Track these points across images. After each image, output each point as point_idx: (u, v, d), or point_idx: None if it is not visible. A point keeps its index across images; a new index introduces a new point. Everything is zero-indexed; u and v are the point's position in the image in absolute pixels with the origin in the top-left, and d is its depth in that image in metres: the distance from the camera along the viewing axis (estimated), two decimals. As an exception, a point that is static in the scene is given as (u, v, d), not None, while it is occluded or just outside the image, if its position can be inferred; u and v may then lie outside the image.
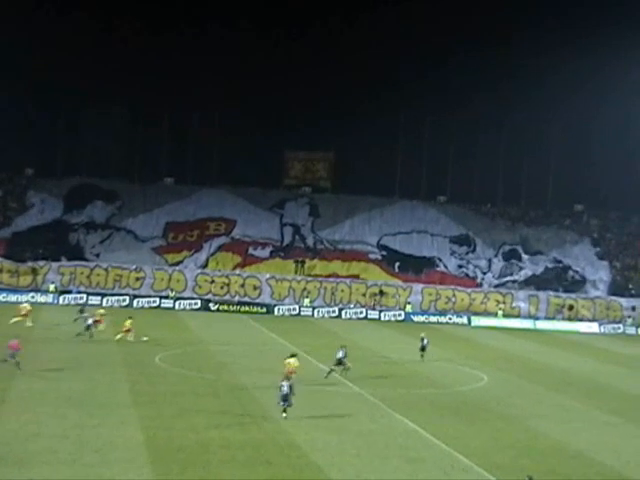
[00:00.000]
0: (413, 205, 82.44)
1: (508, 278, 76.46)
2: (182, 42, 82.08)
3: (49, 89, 75.67)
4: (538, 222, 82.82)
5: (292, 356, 34.69)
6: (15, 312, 49.59)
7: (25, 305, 51.14)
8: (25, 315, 48.85)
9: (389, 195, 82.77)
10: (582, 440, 29.39)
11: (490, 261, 77.89)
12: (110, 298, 65.53)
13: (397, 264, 75.95)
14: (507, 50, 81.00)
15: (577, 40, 75.46)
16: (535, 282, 75.92)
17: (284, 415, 29.06)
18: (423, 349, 45.45)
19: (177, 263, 72.08)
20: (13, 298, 63.20)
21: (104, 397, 31.18)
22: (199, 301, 66.90)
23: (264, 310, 67.00)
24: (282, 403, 29.11)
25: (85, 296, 64.91)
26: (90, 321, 45.49)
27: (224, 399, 32.25)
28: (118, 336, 44.77)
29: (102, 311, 47.39)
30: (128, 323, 45.42)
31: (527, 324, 69.95)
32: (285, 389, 29.16)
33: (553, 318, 71.82)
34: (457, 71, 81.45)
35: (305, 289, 70.32)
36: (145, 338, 46.00)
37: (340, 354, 37.75)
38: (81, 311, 49.88)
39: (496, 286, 75.12)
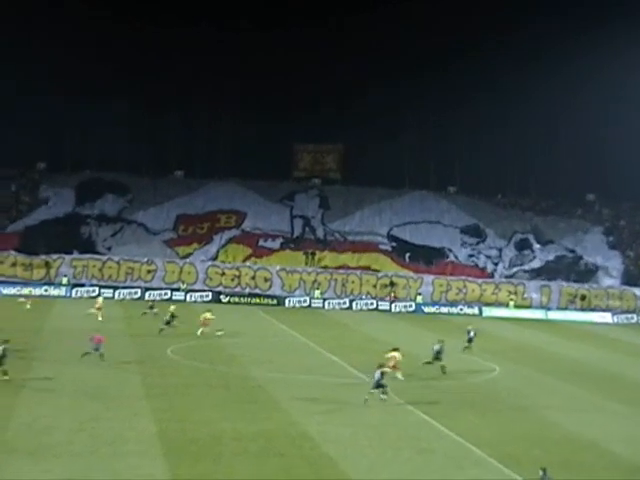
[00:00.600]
0: (423, 196, 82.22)
1: (519, 268, 76.17)
2: (191, 35, 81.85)
3: (59, 83, 75.59)
4: (549, 212, 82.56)
5: (394, 350, 35.50)
6: (91, 305, 51.47)
7: (100, 299, 52.95)
8: (99, 309, 50.19)
9: (399, 186, 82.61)
10: (595, 430, 29.30)
11: (501, 251, 77.64)
12: (122, 291, 65.66)
13: (407, 255, 75.80)
14: (517, 38, 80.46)
15: (592, 28, 74.72)
16: (547, 272, 75.61)
17: (384, 397, 30.82)
18: (470, 341, 45.14)
19: (187, 255, 72.11)
20: (27, 291, 62.53)
21: (117, 390, 31.26)
22: (210, 293, 66.90)
23: (275, 302, 66.86)
24: (374, 389, 30.87)
25: (97, 289, 65.09)
26: (168, 316, 45.98)
27: (236, 391, 32.25)
28: (200, 330, 45.16)
29: (174, 307, 47.44)
30: (208, 315, 45.98)
31: (539, 314, 69.56)
32: (377, 375, 30.83)
33: (565, 308, 71.41)
34: (466, 60, 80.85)
35: (315, 281, 70.20)
36: (220, 333, 46.36)
37: (437, 347, 37.13)
38: (151, 307, 50.99)
39: (507, 276, 74.87)
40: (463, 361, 43.42)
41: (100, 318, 49.16)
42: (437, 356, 37.03)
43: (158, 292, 65.88)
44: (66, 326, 46.98)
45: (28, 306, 53.98)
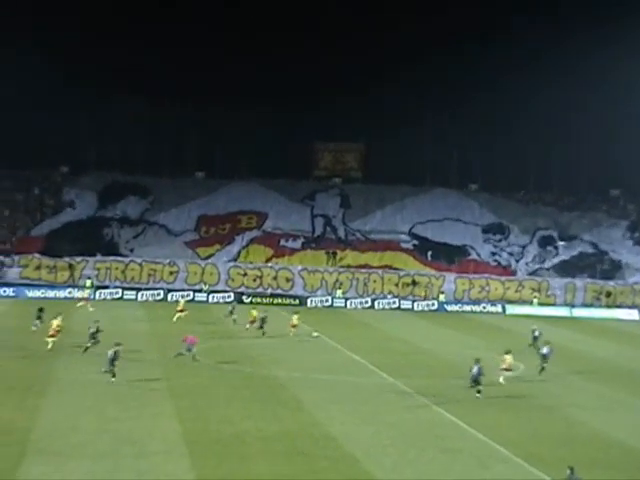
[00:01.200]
0: (444, 193, 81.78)
1: (543, 265, 75.66)
2: (209, 35, 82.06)
3: (79, 87, 75.87)
4: (573, 207, 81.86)
5: (507, 353, 35.64)
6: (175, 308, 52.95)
7: (181, 301, 54.23)
8: (182, 310, 51.48)
9: (420, 184, 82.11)
10: (622, 429, 29.04)
11: (524, 248, 77.13)
12: (145, 292, 65.91)
13: (429, 253, 75.49)
14: (537, 30, 79.77)
15: (613, 19, 73.91)
16: (571, 268, 75.01)
17: (478, 395, 31.36)
18: (535, 340, 44.75)
19: (209, 256, 72.06)
20: (51, 294, 64.02)
21: (140, 390, 31.38)
22: (232, 294, 66.87)
23: (297, 302, 66.47)
24: (473, 385, 31.73)
25: (120, 291, 65.43)
26: (262, 315, 47.07)
27: (259, 391, 32.29)
28: (292, 331, 46.32)
29: (255, 312, 47.84)
30: (295, 318, 46.81)
31: (563, 312, 69.02)
32: (475, 371, 31.48)
33: (590, 305, 70.82)
34: (486, 56, 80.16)
35: (337, 280, 70.12)
36: (315, 334, 46.76)
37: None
38: (231, 312, 51.30)
39: (531, 273, 74.37)
40: (486, 360, 43.13)
41: (175, 320, 50.39)
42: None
43: (180, 293, 65.82)
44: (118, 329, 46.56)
45: (91, 308, 53.68)
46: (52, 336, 38.57)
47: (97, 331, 38.21)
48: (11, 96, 72.62)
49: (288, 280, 69.82)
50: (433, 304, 68.75)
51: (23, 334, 43.06)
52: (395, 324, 57.46)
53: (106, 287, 66.21)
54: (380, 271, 71.71)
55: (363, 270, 71.63)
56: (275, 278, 69.77)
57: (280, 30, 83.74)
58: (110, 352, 32.42)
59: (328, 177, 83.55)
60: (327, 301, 67.88)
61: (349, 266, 72.48)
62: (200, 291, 66.85)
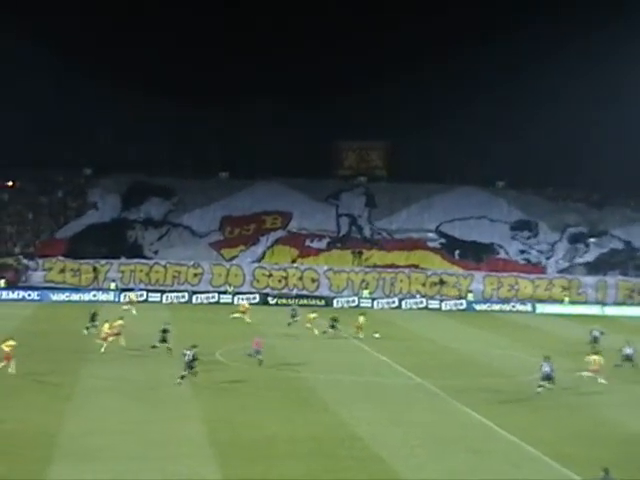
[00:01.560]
0: (471, 191, 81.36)
1: (573, 262, 75.14)
2: (231, 34, 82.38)
3: (102, 87, 76.34)
4: (603, 203, 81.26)
5: (595, 353, 35.79)
6: (234, 309, 54.90)
7: (244, 303, 55.72)
8: (244, 312, 52.94)
9: (446, 181, 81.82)
10: (656, 428, 28.74)
11: (554, 245, 76.63)
12: (169, 295, 66.23)
13: (457, 252, 75.38)
14: (564, 23, 79.17)
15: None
16: (602, 266, 74.48)
17: (538, 390, 32.25)
18: (595, 341, 44.60)
19: (233, 258, 72.28)
20: (76, 297, 64.63)
21: (166, 392, 31.58)
22: (257, 295, 67.28)
23: (323, 302, 66.42)
24: (544, 381, 32.34)
25: (145, 293, 65.73)
26: (330, 322, 47.87)
27: (285, 393, 32.41)
28: (360, 334, 47.05)
29: (313, 315, 48.25)
30: (362, 320, 47.53)
31: (595, 310, 68.36)
32: (546, 368, 32.18)
33: (623, 303, 70.27)
34: (510, 49, 79.64)
35: (364, 280, 70.18)
36: (377, 335, 47.28)
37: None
38: (293, 316, 51.58)
39: (561, 271, 73.89)
40: (516, 359, 43.15)
41: (248, 320, 52.12)
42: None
43: (205, 295, 66.57)
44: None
45: (134, 312, 53.94)
46: (104, 339, 39.43)
47: (166, 332, 39.37)
48: (33, 97, 73.59)
49: (314, 281, 70.00)
50: (461, 303, 68.62)
51: (54, 337, 43.39)
52: (423, 324, 57.42)
53: (130, 289, 66.35)
54: (407, 270, 71.69)
55: (390, 270, 71.64)
56: (300, 279, 69.97)
57: (305, 26, 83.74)
58: (188, 354, 32.82)
59: (353, 176, 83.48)
60: (353, 301, 67.83)
61: (375, 266, 72.48)
62: (225, 293, 67.11)
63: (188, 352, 32.92)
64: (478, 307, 68.43)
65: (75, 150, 78.10)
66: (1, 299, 62.51)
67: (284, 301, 66.72)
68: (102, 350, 38.99)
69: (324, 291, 69.59)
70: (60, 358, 37.31)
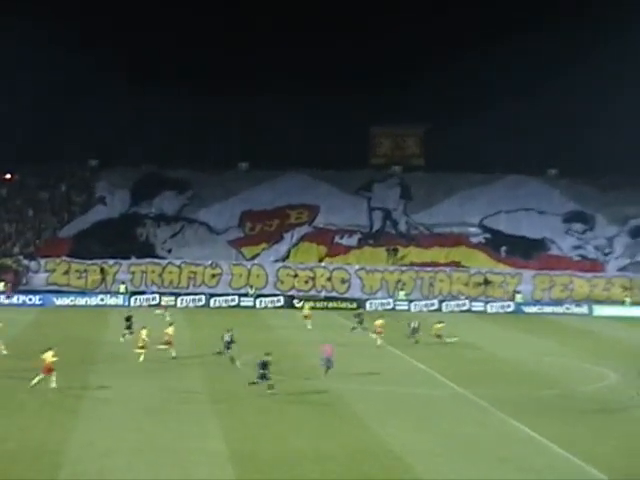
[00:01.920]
0: (519, 180, 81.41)
1: (635, 259, 74.57)
2: (252, 16, 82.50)
3: (110, 70, 77.11)
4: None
5: None
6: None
7: (307, 307, 57.70)
8: (307, 317, 55.01)
9: (491, 170, 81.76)
10: None
11: (612, 240, 76.28)
12: (184, 298, 66.71)
13: (503, 248, 75.31)
14: (626, 7, 78.21)
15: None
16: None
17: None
18: None
19: (255, 256, 72.93)
20: (81, 301, 65.34)
21: (182, 407, 31.69)
22: (282, 298, 67.61)
23: (354, 305, 66.80)
24: None
25: (157, 296, 66.23)
26: (415, 324, 49.19)
27: (312, 405, 32.45)
28: (448, 339, 48.15)
29: (380, 322, 48.16)
30: (439, 327, 48.90)
31: (660, 312, 67.85)
32: None
33: (691, 304, 69.64)
34: (562, 29, 79.18)
35: (399, 280, 70.42)
36: (454, 339, 48.03)
37: None
38: (360, 322, 51.85)
39: (621, 269, 73.48)
40: (571, 368, 43.01)
41: (310, 327, 53.15)
42: None
43: (224, 298, 66.89)
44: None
45: (168, 318, 53.59)
46: (142, 347, 40.07)
47: (231, 341, 40.41)
48: (32, 84, 74.34)
49: (344, 281, 70.23)
50: (509, 305, 68.64)
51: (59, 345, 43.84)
52: (465, 328, 57.12)
53: (142, 293, 67.22)
54: (447, 269, 71.86)
55: (428, 268, 71.78)
56: (329, 279, 70.30)
57: (335, 4, 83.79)
58: (259, 362, 33.63)
59: (386, 165, 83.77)
60: (388, 304, 67.92)
61: (412, 264, 72.70)
62: (246, 295, 67.48)
63: (259, 361, 33.70)
64: (527, 309, 68.33)
65: (79, 139, 78.61)
66: (0, 304, 62.89)
67: (311, 304, 66.45)
68: (141, 359, 39.59)
69: (355, 293, 69.86)
70: (66, 369, 37.32)
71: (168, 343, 41.22)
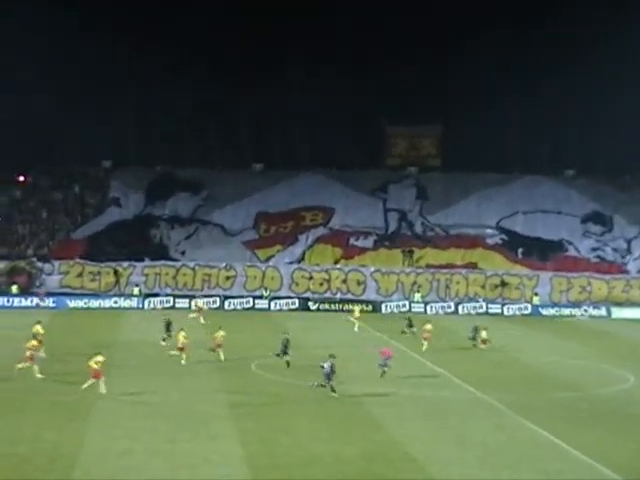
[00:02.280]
0: (536, 181, 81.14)
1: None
2: (268, 11, 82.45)
3: (119, 70, 77.57)
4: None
5: None
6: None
7: (357, 309, 58.74)
8: (356, 319, 55.61)
9: (508, 171, 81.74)
10: None
11: (631, 242, 75.95)
12: (199, 301, 66.01)
13: (520, 250, 75.18)
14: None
15: None
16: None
17: None
18: None
19: (270, 258, 73.03)
20: (95, 303, 65.62)
21: (197, 409, 31.72)
22: (297, 300, 67.64)
23: (370, 308, 66.96)
24: None
25: (172, 299, 66.40)
26: (479, 333, 49.03)
27: (329, 409, 32.41)
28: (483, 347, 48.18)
29: (429, 327, 47.91)
30: (485, 334, 48.46)
31: (681, 314, 67.43)
32: None
33: None
34: (578, 23, 78.92)
35: (415, 282, 70.38)
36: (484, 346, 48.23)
37: None
38: (410, 326, 51.54)
39: (640, 271, 73.03)
40: (590, 370, 42.92)
41: (356, 329, 53.77)
42: None
43: (239, 300, 66.97)
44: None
45: (202, 320, 54.85)
46: (181, 349, 40.48)
47: (287, 343, 39.97)
48: (48, 79, 74.08)
49: (359, 283, 70.20)
50: (526, 308, 68.50)
51: (72, 348, 43.92)
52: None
53: (156, 295, 67.34)
54: (464, 271, 71.82)
55: (444, 270, 71.76)
56: (345, 281, 70.23)
57: (349, 5, 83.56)
58: (326, 365, 33.76)
59: (402, 166, 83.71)
60: (404, 306, 67.75)
61: (428, 266, 72.62)
62: (261, 297, 67.60)
63: (325, 364, 33.86)
64: (545, 312, 68.20)
65: (93, 140, 78.67)
66: (13, 306, 63.38)
67: (327, 306, 67.24)
68: (183, 362, 40.05)
69: (371, 295, 69.83)
70: (80, 371, 37.40)
71: (219, 345, 41.57)
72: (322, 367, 33.97)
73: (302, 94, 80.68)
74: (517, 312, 67.88)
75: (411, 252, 74.29)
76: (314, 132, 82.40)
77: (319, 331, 54.95)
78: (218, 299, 66.96)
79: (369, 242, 75.64)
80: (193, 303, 62.51)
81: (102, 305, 65.21)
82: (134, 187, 78.10)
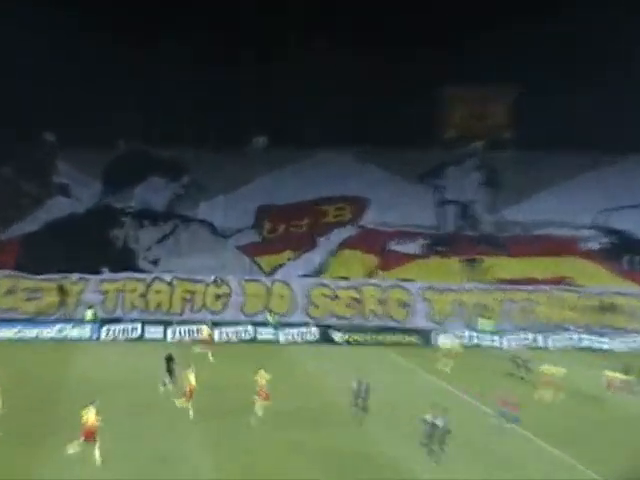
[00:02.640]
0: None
1: None
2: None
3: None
4: None
5: None
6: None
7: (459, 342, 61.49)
8: (454, 356, 57.31)
9: (607, 149, 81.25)
10: None
11: None
12: (178, 328, 65.35)
13: (626, 257, 75.94)
14: None
15: None
16: None
17: None
18: None
19: (277, 269, 72.85)
20: (32, 333, 64.05)
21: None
22: (316, 329, 66.71)
23: (417, 339, 66.94)
24: None
25: (139, 326, 65.29)
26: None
27: (358, 476, 33.88)
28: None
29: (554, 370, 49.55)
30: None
31: None
32: None
33: None
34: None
35: (482, 304, 69.42)
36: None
37: None
38: (527, 370, 53.42)
39: None
40: None
41: (448, 369, 55.42)
42: None
43: (234, 329, 66.27)
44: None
45: (211, 358, 55.69)
46: (188, 397, 41.85)
47: (367, 390, 41.84)
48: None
49: (403, 305, 69.58)
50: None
51: None
52: (578, 372, 55.29)
53: (117, 320, 66.29)
54: (549, 287, 71.42)
55: (523, 287, 71.39)
56: (382, 302, 69.23)
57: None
58: (437, 423, 35.93)
59: (463, 140, 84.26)
60: (465, 337, 66.94)
61: (500, 280, 72.02)
62: (265, 324, 66.89)
63: (438, 421, 36.05)
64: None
65: (30, 106, 77.41)
66: None
67: (357, 338, 66.53)
68: (190, 416, 41.20)
69: (419, 321, 69.54)
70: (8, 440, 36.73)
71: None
72: (424, 422, 36.10)
73: (325, 49, 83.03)
74: (628, 347, 67.43)
75: (474, 261, 74.12)
76: (340, 98, 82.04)
77: (347, 372, 52.31)
78: (204, 327, 64.72)
79: (416, 247, 76.00)
80: (199, 330, 63.21)
81: (41, 335, 63.60)
82: (88, 169, 78.45)
